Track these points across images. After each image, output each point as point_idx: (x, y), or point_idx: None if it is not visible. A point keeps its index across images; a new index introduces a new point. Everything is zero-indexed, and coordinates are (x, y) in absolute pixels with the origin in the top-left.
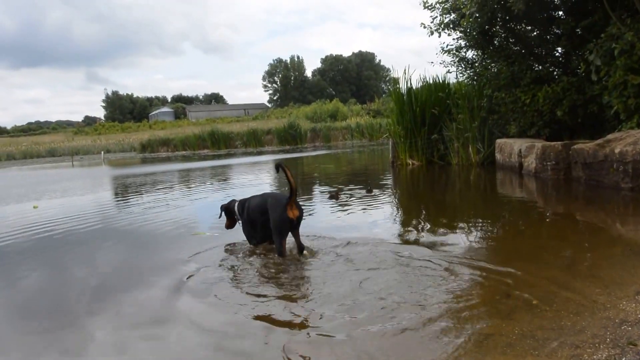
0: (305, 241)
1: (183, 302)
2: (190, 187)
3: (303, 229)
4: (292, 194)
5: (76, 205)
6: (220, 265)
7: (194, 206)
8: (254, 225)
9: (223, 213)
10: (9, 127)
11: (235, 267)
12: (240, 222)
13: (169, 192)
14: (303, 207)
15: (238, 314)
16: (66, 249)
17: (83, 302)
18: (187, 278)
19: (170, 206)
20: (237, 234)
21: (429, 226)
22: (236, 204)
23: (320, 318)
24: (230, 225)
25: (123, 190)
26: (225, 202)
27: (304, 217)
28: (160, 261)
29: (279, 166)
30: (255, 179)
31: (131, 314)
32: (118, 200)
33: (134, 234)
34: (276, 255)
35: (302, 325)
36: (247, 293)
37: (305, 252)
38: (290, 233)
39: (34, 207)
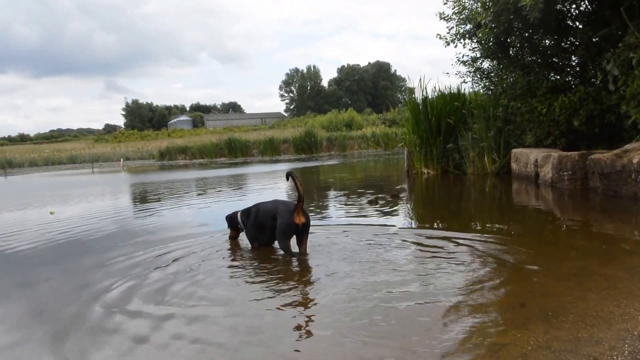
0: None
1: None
2: (204, 195)
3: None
4: (299, 200)
5: (91, 211)
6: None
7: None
8: (262, 229)
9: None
10: (32, 134)
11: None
12: (244, 230)
13: (183, 200)
14: (337, 211)
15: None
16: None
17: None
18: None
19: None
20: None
21: (443, 234)
22: (239, 213)
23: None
24: (234, 235)
25: (139, 197)
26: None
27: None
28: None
29: (289, 175)
30: (270, 188)
31: None
32: (134, 207)
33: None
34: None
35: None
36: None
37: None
38: (297, 239)
39: (51, 213)
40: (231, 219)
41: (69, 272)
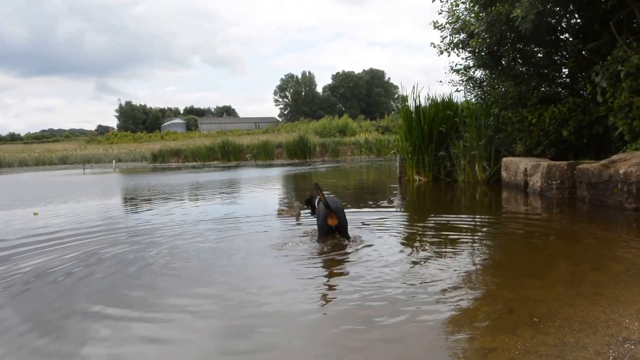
0: None
1: None
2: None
3: None
4: (327, 207)
5: (74, 212)
6: None
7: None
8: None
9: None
10: (22, 134)
11: None
12: None
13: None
14: None
15: None
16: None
17: None
18: None
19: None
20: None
21: (432, 240)
22: (316, 199)
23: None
24: (313, 212)
25: (128, 200)
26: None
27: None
28: None
29: (316, 185)
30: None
31: None
32: (122, 209)
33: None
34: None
35: None
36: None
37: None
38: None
39: (35, 214)
40: (308, 202)
41: None
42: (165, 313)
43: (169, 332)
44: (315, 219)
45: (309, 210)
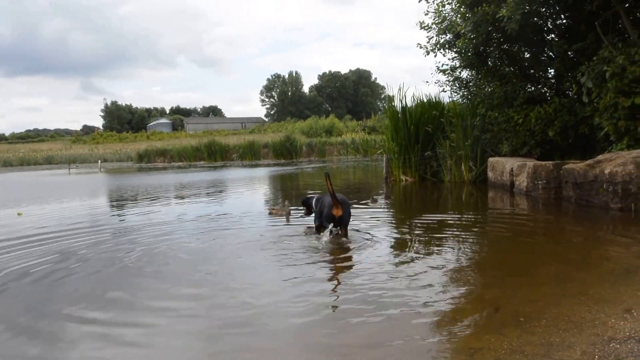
0: None
1: None
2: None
3: None
4: (332, 197)
5: (56, 212)
6: None
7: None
8: (320, 215)
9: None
10: (7, 134)
11: None
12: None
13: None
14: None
15: None
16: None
17: None
18: None
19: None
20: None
21: (419, 239)
22: (313, 200)
23: None
24: (308, 213)
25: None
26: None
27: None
28: None
29: (326, 174)
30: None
31: None
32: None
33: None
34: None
35: None
36: None
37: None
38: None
39: (19, 214)
40: (305, 203)
41: None
42: (144, 317)
43: (148, 337)
44: (313, 216)
45: (304, 211)
